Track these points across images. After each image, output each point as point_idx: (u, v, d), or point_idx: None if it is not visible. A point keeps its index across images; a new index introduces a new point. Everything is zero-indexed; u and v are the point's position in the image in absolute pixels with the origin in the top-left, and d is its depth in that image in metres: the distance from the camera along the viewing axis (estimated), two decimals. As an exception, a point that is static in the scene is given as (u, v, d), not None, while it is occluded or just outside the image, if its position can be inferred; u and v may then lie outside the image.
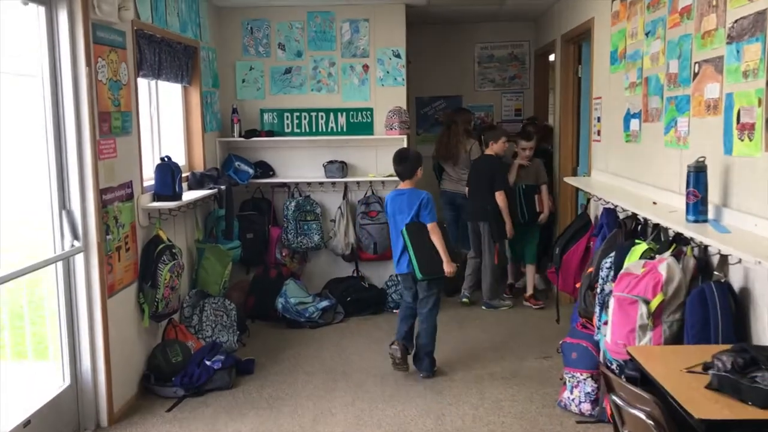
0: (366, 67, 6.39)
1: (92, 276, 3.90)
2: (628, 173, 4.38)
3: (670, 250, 3.21)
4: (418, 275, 4.64)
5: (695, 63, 3.32)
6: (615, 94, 4.67)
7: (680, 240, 3.26)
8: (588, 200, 5.16)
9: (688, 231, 3.03)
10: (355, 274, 6.49)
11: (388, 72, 6.38)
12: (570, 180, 5.38)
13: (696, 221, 3.04)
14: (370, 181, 6.41)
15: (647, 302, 2.98)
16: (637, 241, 3.67)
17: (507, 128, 7.72)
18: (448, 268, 4.66)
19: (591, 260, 4.13)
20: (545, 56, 7.63)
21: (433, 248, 4.65)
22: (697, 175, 3.02)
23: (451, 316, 6.11)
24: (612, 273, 3.75)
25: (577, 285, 4.18)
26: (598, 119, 5.10)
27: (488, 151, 6.36)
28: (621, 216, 4.37)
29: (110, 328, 4.02)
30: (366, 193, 6.44)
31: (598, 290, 3.83)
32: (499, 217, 6.12)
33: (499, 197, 6.11)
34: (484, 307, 6.33)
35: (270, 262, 6.28)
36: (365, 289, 6.31)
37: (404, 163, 4.80)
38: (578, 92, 6.26)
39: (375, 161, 6.47)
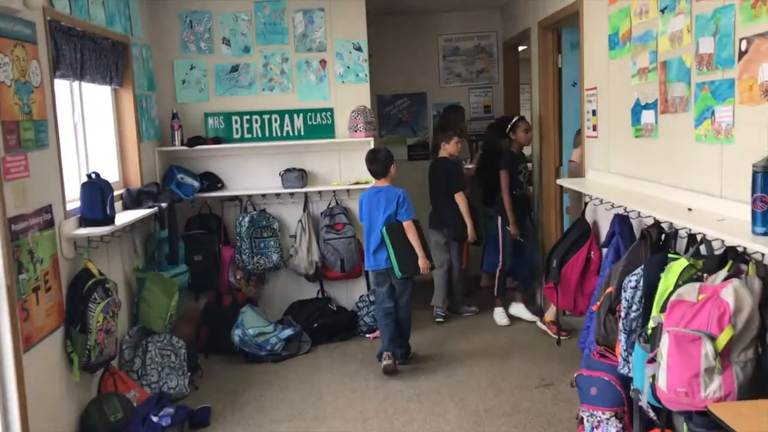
0: (324, 63, 5.68)
1: (0, 328, 3.10)
2: (640, 173, 3.79)
3: (727, 269, 2.61)
4: (398, 274, 4.78)
5: (741, 39, 2.73)
6: (617, 82, 4.08)
7: (734, 255, 2.66)
8: (585, 204, 4.57)
9: (755, 245, 2.43)
10: (320, 296, 5.77)
11: (348, 67, 5.68)
12: (566, 183, 4.77)
13: (766, 233, 2.44)
14: (334, 191, 5.71)
15: (713, 339, 2.37)
16: (671, 255, 3.08)
17: (475, 126, 7.16)
18: (423, 264, 4.81)
19: (608, 277, 3.53)
20: (515, 48, 7.05)
21: (411, 246, 4.77)
22: (767, 176, 2.43)
23: (429, 337, 5.46)
24: (640, 294, 3.14)
25: (594, 307, 3.56)
26: (593, 113, 4.51)
27: (442, 153, 5.86)
28: (636, 223, 3.78)
29: (28, 389, 3.21)
30: (329, 204, 5.73)
31: (622, 314, 3.23)
32: (460, 220, 5.67)
33: (459, 198, 5.68)
34: (441, 315, 5.91)
35: (223, 287, 5.52)
36: (333, 312, 5.60)
37: (377, 161, 4.89)
38: (559, 84, 5.68)
39: (338, 167, 5.76)
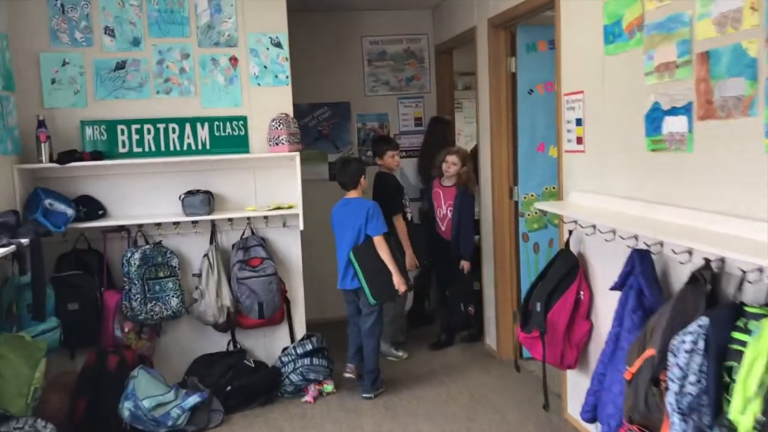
0: (234, 61, 4.62)
1: None
2: (659, 196, 3.00)
3: None
4: (371, 300, 4.43)
5: None
6: (618, 83, 3.29)
7: None
8: (569, 233, 3.75)
9: None
10: (233, 349, 4.65)
11: (265, 67, 4.65)
12: (549, 207, 3.91)
13: None
14: (249, 218, 4.63)
15: None
16: (750, 308, 2.27)
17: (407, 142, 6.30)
18: (398, 281, 4.42)
19: (644, 334, 2.68)
20: (448, 53, 6.24)
21: (384, 267, 4.40)
22: None
23: (375, 403, 4.49)
24: (700, 360, 2.32)
25: (627, 375, 2.70)
26: (578, 122, 3.71)
27: (383, 169, 5.34)
28: (656, 259, 2.98)
29: None
30: (243, 235, 4.65)
31: (673, 387, 2.39)
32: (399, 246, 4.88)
33: (397, 222, 5.04)
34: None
35: (106, 343, 4.31)
36: (250, 370, 4.49)
37: (347, 172, 4.58)
38: (513, 92, 4.89)
39: (254, 189, 4.70)
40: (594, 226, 3.39)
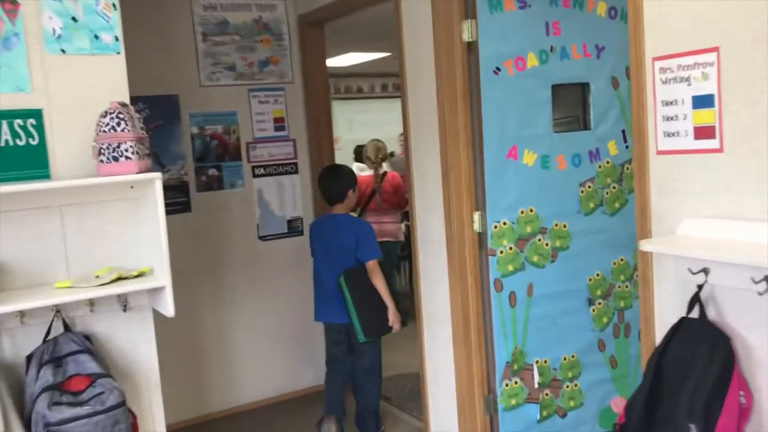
0: (12, 5, 2.41)
1: None
2: None
3: None
4: (361, 338, 3.80)
5: None
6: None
7: None
8: (698, 290, 2.20)
9: None
10: None
11: (74, 19, 2.50)
12: (672, 247, 2.26)
13: None
14: (56, 307, 2.43)
15: None
16: None
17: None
18: (394, 317, 3.80)
19: None
20: (319, 26, 4.44)
21: (377, 299, 3.77)
22: None
23: None
24: None
25: None
26: (703, 102, 2.19)
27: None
28: None
29: None
30: (48, 333, 2.43)
31: None
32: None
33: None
34: None
35: None
36: None
37: (336, 181, 3.90)
38: (472, 71, 3.27)
39: (64, 247, 2.51)
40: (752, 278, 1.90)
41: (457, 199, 3.31)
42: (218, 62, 4.29)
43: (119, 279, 2.47)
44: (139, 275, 2.51)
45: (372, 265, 3.75)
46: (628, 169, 3.64)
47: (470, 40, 3.23)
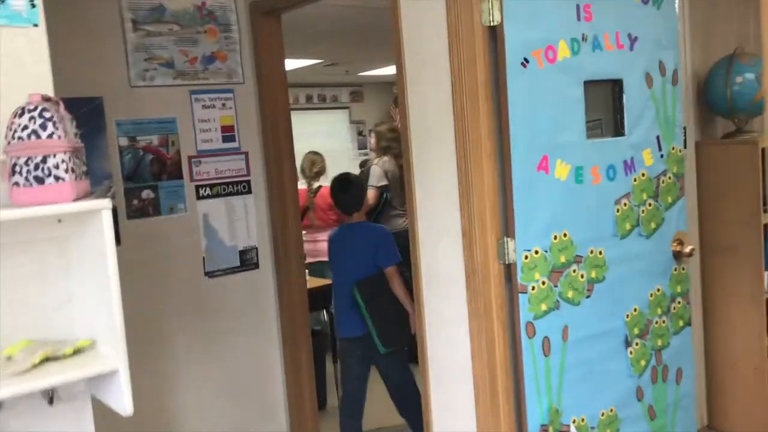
0: None
1: None
2: None
3: None
4: (381, 348, 3.65)
5: None
6: None
7: None
8: None
9: None
10: None
11: (-32, -30, 1.67)
12: None
13: None
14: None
15: None
16: None
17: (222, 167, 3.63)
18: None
19: None
20: (275, 15, 3.68)
21: (396, 306, 3.66)
22: None
23: None
24: None
25: None
26: None
27: None
28: None
29: None
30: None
31: None
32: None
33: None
34: None
35: None
36: None
37: (349, 189, 3.79)
38: (501, 69, 2.61)
39: (-42, 316, 1.66)
40: None
41: (480, 222, 2.63)
42: (152, 57, 3.44)
43: (45, 360, 1.64)
44: (76, 352, 1.69)
45: (391, 271, 3.68)
46: (663, 182, 3.08)
47: (492, 23, 2.57)
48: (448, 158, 2.68)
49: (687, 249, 3.11)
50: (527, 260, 2.66)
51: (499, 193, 2.64)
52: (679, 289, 3.17)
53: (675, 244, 3.13)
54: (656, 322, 3.10)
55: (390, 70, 10.37)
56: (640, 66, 2.98)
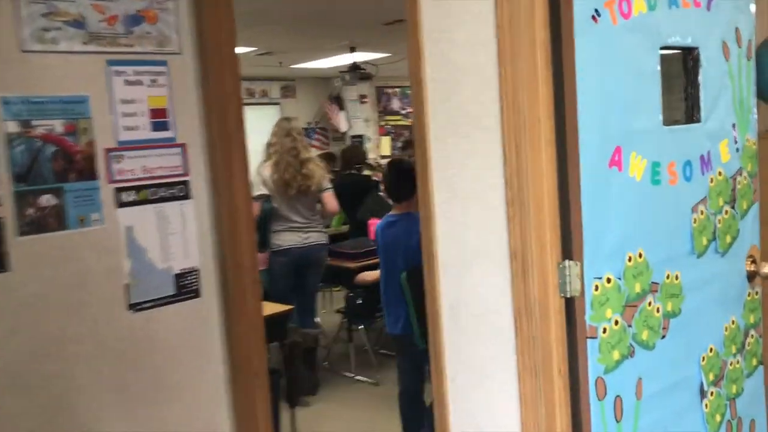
0: None
1: None
2: None
3: None
4: (420, 343, 3.43)
5: None
6: None
7: None
8: None
9: None
10: None
11: None
12: None
13: None
14: None
15: None
16: None
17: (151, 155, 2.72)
18: None
19: None
20: (222, -35, 2.80)
21: None
22: None
23: None
24: None
25: None
26: None
27: None
28: None
29: None
30: None
31: None
32: None
33: None
34: None
35: None
36: None
37: (405, 176, 3.60)
38: (566, 23, 1.85)
39: None
40: None
41: (538, 239, 1.86)
42: (55, 12, 2.50)
43: None
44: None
45: None
46: (739, 183, 2.40)
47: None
48: (489, 149, 1.90)
49: (765, 269, 2.45)
50: (598, 292, 1.92)
51: (562, 199, 1.89)
52: (752, 319, 2.51)
53: (749, 262, 2.46)
54: (731, 363, 2.42)
55: (326, 62, 9.50)
56: (718, 32, 2.29)
